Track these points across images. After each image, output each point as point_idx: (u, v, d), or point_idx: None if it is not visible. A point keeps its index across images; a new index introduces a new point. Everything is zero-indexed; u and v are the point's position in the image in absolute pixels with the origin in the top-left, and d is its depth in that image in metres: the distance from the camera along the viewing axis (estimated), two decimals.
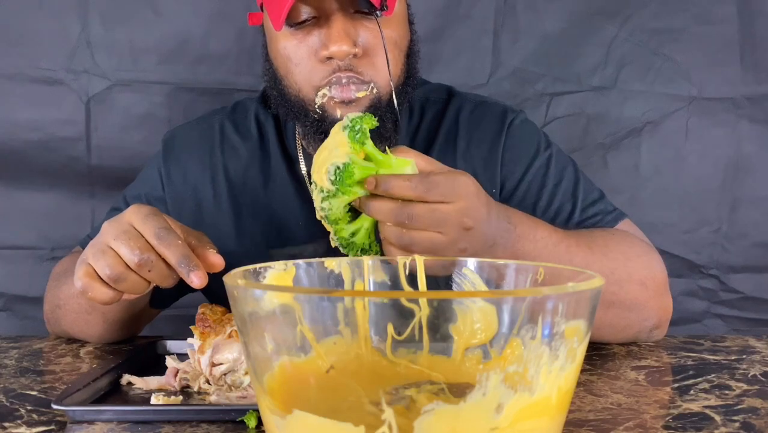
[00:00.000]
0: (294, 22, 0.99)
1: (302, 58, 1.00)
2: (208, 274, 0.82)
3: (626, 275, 0.97)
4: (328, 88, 0.99)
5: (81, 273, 0.82)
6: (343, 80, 0.98)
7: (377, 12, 0.97)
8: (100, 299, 0.82)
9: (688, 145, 1.56)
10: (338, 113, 1.00)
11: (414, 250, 0.80)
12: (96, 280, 0.82)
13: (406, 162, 0.81)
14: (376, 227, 0.84)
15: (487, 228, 0.84)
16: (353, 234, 0.83)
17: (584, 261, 0.94)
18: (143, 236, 0.80)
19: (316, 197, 0.81)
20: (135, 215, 0.82)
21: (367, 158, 0.81)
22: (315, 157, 0.82)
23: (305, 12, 0.98)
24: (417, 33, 1.10)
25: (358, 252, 0.84)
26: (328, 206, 0.81)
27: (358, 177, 0.79)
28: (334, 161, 0.79)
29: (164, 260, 0.80)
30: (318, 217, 0.83)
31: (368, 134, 0.80)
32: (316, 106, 1.00)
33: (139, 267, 0.80)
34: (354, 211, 0.83)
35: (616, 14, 1.54)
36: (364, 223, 0.83)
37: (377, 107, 1.01)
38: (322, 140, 0.86)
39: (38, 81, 1.49)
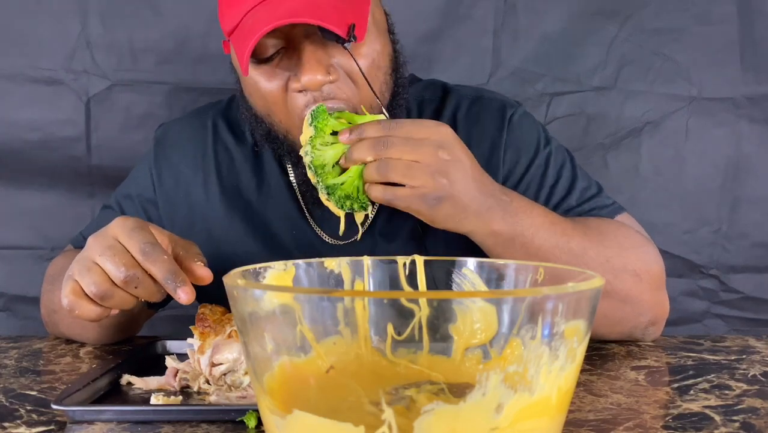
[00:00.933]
0: (262, 58, 0.94)
1: (278, 96, 0.96)
2: None
3: (621, 264, 0.97)
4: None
5: (67, 291, 0.81)
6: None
7: (346, 44, 0.91)
8: (87, 316, 0.82)
9: (688, 145, 1.56)
10: None
11: (391, 176, 0.85)
12: (82, 297, 0.81)
13: (381, 116, 0.91)
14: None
15: (474, 173, 0.88)
16: (341, 183, 0.89)
17: (581, 245, 0.94)
18: (129, 252, 0.79)
19: (303, 152, 0.89)
20: (120, 229, 0.81)
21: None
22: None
23: (272, 45, 0.93)
24: (400, 42, 1.05)
25: (344, 198, 0.90)
26: (310, 150, 0.88)
27: (334, 127, 0.89)
28: (310, 111, 0.90)
29: (151, 276, 0.79)
30: (310, 176, 0.90)
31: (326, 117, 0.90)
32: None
33: (125, 284, 0.79)
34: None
35: (616, 14, 1.54)
36: (350, 173, 0.89)
37: None
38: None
39: (38, 81, 1.50)
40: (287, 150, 1.01)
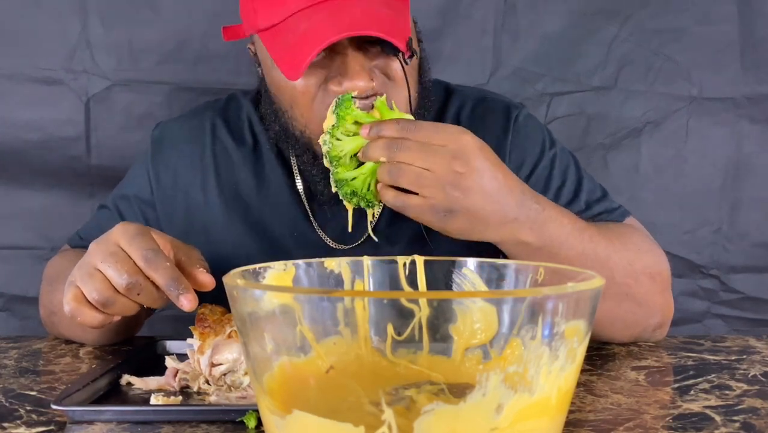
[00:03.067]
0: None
1: (308, 92, 0.95)
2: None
3: (641, 267, 0.97)
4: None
5: (69, 297, 0.81)
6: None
7: (406, 60, 0.93)
8: (90, 323, 0.82)
9: (689, 145, 1.56)
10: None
11: (401, 182, 0.83)
12: (84, 304, 0.81)
13: (408, 116, 0.87)
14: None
15: (494, 188, 0.83)
16: (352, 178, 0.87)
17: (606, 251, 0.93)
18: (131, 258, 0.79)
19: (322, 140, 0.88)
20: (122, 235, 0.81)
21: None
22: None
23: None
24: (425, 50, 1.07)
25: (351, 193, 0.88)
26: (328, 139, 0.86)
27: (357, 117, 0.86)
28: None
29: (153, 283, 0.79)
30: (326, 164, 0.88)
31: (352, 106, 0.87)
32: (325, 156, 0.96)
33: (127, 291, 0.79)
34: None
35: (616, 14, 1.54)
36: (363, 170, 0.87)
37: None
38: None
39: (38, 81, 1.49)
40: (303, 148, 1.01)
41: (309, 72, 0.93)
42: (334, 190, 0.90)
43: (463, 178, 0.82)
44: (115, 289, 0.79)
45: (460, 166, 0.82)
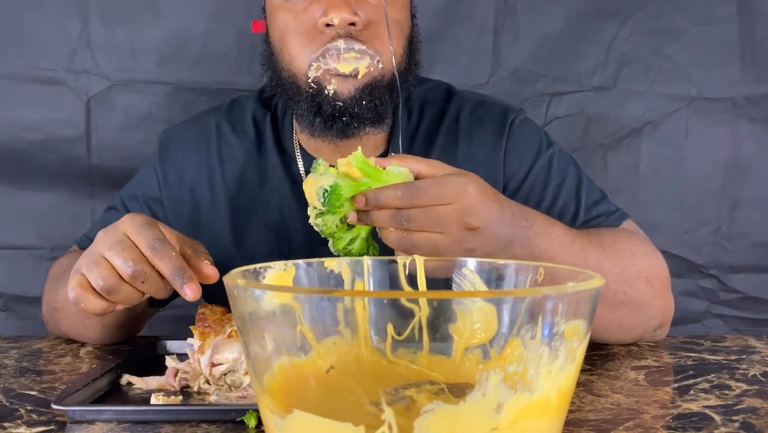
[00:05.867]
0: None
1: (300, 27, 1.00)
2: None
3: (635, 273, 0.97)
4: (323, 58, 0.98)
5: (74, 283, 0.81)
6: (341, 48, 0.97)
7: None
8: (93, 310, 0.82)
9: (688, 145, 1.56)
10: (332, 85, 0.99)
11: (417, 252, 0.79)
12: (89, 291, 0.81)
13: (397, 176, 0.81)
14: (374, 233, 0.84)
15: (500, 227, 0.83)
16: (351, 242, 0.84)
17: (597, 260, 0.94)
18: (137, 247, 0.80)
19: (310, 213, 0.82)
20: (130, 225, 0.81)
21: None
22: (305, 183, 0.83)
23: None
24: (418, 25, 1.10)
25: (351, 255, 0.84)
26: (321, 223, 0.82)
27: (347, 195, 0.80)
28: (322, 184, 0.80)
29: (158, 272, 0.79)
30: (314, 228, 0.84)
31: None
32: (309, 80, 0.99)
33: (132, 279, 0.79)
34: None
35: (616, 14, 1.54)
36: (360, 232, 0.84)
37: (377, 86, 1.00)
38: (315, 120, 0.98)
39: (38, 81, 1.50)
40: (288, 89, 1.03)
41: (300, 9, 1.00)
42: (334, 252, 0.86)
43: (477, 235, 0.81)
44: (120, 277, 0.80)
45: (472, 220, 0.80)
